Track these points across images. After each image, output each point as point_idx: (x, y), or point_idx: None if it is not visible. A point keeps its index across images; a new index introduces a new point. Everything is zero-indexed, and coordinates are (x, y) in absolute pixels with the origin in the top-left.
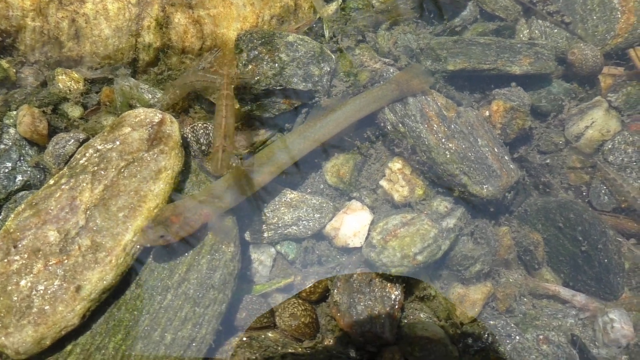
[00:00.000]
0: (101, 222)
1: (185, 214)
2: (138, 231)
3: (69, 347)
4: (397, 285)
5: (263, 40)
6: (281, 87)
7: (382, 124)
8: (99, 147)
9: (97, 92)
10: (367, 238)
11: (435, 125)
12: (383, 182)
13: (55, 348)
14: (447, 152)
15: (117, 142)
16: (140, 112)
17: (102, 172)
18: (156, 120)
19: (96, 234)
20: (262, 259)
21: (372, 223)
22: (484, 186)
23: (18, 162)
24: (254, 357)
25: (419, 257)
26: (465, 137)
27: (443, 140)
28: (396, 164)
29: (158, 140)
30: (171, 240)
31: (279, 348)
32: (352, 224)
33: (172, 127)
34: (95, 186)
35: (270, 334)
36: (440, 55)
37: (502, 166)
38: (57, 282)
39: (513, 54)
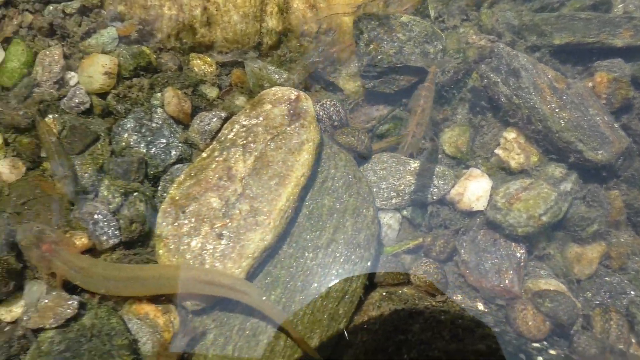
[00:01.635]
0: (256, 190)
1: (51, 256)
2: (289, 197)
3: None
4: (521, 244)
5: (379, 21)
6: (401, 65)
7: (495, 97)
8: (244, 123)
9: (227, 75)
10: (489, 202)
11: (548, 97)
12: (498, 151)
13: (221, 301)
14: (561, 121)
15: (261, 118)
16: (278, 90)
17: (252, 145)
18: (293, 97)
19: (253, 200)
20: (390, 223)
21: (492, 188)
22: (599, 152)
23: (170, 139)
24: (400, 307)
25: (544, 218)
26: (576, 107)
27: (557, 110)
28: (510, 134)
29: (297, 116)
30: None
31: (417, 301)
32: (475, 189)
33: (307, 103)
34: (247, 157)
35: (406, 290)
36: (545, 30)
37: (613, 133)
38: (224, 242)
39: (613, 27)
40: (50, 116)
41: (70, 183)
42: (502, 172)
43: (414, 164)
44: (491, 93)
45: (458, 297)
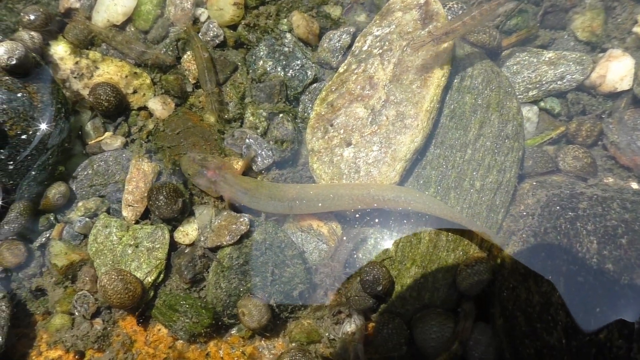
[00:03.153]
0: (400, 95)
1: (217, 180)
2: (432, 98)
3: None
4: None
5: None
6: None
7: None
8: (377, 33)
9: None
10: (635, 79)
11: None
12: (636, 29)
13: None
14: None
15: (393, 26)
16: None
17: (389, 53)
18: (422, 1)
19: (398, 105)
20: (529, 116)
21: (636, 66)
22: None
23: (304, 60)
24: (557, 192)
25: None
26: None
27: None
28: None
29: (429, 19)
30: (192, 182)
31: (571, 185)
32: (618, 69)
33: (437, 5)
34: (386, 65)
35: (555, 177)
36: None
37: None
38: (375, 148)
39: None
40: (189, 52)
41: (215, 100)
42: None
43: (548, 54)
44: None
45: (610, 180)
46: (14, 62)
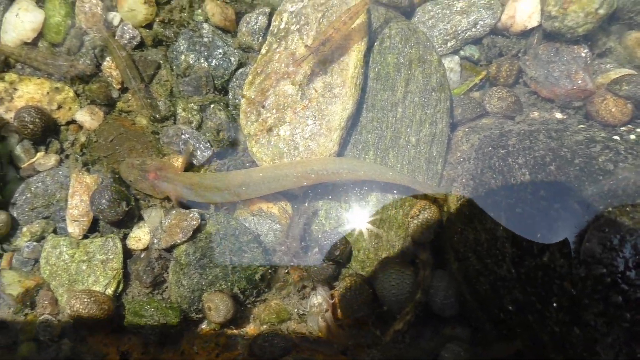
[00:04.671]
0: (323, 73)
1: (161, 180)
2: (355, 64)
3: None
4: (582, 44)
5: None
6: None
7: None
8: (292, 9)
9: None
10: (542, 14)
11: None
12: None
13: None
14: None
15: (306, 0)
16: None
17: (306, 27)
18: None
19: (324, 76)
20: (451, 66)
21: (541, 1)
22: None
23: (225, 47)
24: (487, 134)
25: (601, 11)
26: None
27: None
28: None
29: None
30: (135, 187)
31: (500, 125)
32: (525, 8)
33: None
34: (306, 39)
35: (485, 120)
36: None
37: None
38: (310, 122)
39: None
40: (107, 58)
41: (144, 96)
42: None
43: (459, 4)
44: None
45: (535, 114)
46: None
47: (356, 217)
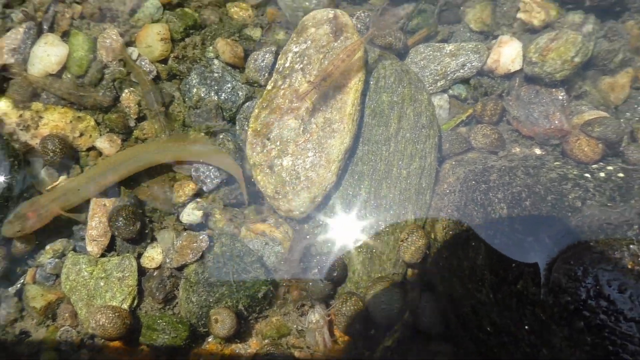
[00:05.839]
0: (324, 103)
1: (39, 211)
2: (353, 102)
3: (331, 202)
4: (560, 88)
5: None
6: None
7: None
8: (296, 50)
9: (262, 15)
10: (524, 60)
11: None
12: (520, 15)
13: (321, 206)
14: None
15: (309, 42)
16: (316, 13)
17: (309, 66)
18: (331, 16)
19: (324, 112)
20: (440, 104)
21: (523, 48)
22: None
23: (234, 82)
24: (471, 168)
25: (576, 59)
26: None
27: None
28: None
29: (340, 31)
30: (28, 232)
31: (484, 160)
32: (508, 53)
33: (345, 17)
34: (308, 78)
35: (470, 154)
36: None
37: None
38: (310, 154)
39: None
40: (126, 90)
41: (163, 119)
42: (527, 32)
43: (449, 47)
44: None
45: (517, 149)
46: None
47: (352, 241)
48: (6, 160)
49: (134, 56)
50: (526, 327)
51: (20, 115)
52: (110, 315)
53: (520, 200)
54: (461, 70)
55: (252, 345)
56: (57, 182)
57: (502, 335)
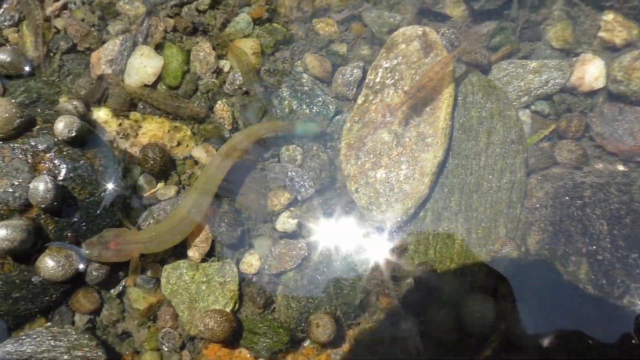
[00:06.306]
0: (417, 118)
1: (121, 246)
2: (445, 116)
3: (422, 214)
4: None
5: None
6: None
7: None
8: (386, 65)
9: (346, 30)
10: (607, 78)
11: None
12: (601, 33)
13: (413, 217)
14: None
15: (400, 58)
16: (405, 30)
17: (400, 82)
18: (420, 33)
19: (417, 126)
20: (523, 119)
21: (605, 66)
22: None
23: (324, 96)
24: (561, 183)
25: None
26: None
27: None
28: (609, 16)
29: (429, 47)
30: (102, 262)
31: (570, 175)
32: (592, 71)
33: (433, 34)
34: (400, 93)
35: (554, 169)
36: None
37: None
38: (404, 167)
39: None
40: (219, 102)
41: (263, 97)
42: (607, 51)
43: (532, 64)
44: None
45: (600, 165)
46: (73, 134)
47: (446, 255)
48: (111, 168)
49: (226, 69)
50: (632, 340)
51: (120, 124)
52: (219, 318)
53: (619, 217)
54: (544, 87)
55: (345, 350)
56: (155, 189)
57: (605, 349)
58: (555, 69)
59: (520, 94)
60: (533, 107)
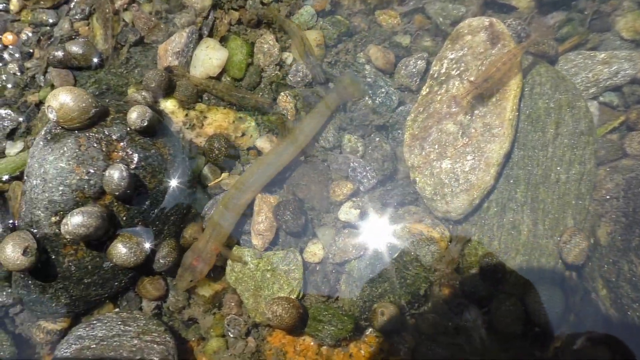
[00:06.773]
0: (483, 109)
1: (202, 255)
2: (512, 107)
3: (486, 205)
4: None
5: None
6: None
7: None
8: (452, 57)
9: (409, 22)
10: None
11: None
12: None
13: (477, 208)
14: None
15: (466, 49)
16: (472, 21)
17: (466, 73)
18: (487, 24)
19: (483, 117)
20: (592, 111)
21: None
22: None
23: (387, 87)
24: (633, 175)
25: None
26: None
27: None
28: None
29: (496, 39)
30: (201, 279)
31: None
32: None
33: (501, 26)
34: (465, 84)
35: (625, 162)
36: None
37: None
38: (469, 158)
39: None
40: (282, 93)
41: (320, 71)
42: None
43: (601, 55)
44: None
45: None
46: (145, 123)
47: (511, 246)
48: (180, 157)
49: (289, 61)
50: None
51: (186, 115)
52: (286, 305)
53: None
54: (614, 78)
55: (409, 340)
56: (220, 179)
57: None
58: (625, 60)
59: (588, 85)
60: (601, 99)
